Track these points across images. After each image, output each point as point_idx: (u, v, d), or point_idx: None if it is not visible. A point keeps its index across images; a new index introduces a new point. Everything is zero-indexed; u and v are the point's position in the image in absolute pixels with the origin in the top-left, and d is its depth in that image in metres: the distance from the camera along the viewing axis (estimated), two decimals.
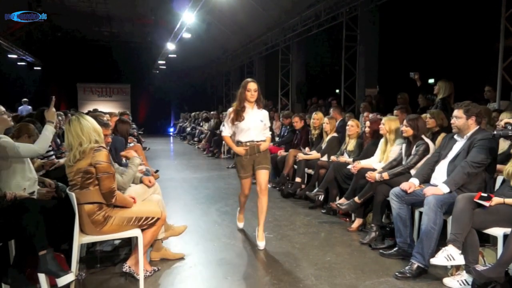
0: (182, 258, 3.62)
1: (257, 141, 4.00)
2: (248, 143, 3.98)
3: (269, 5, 11.03)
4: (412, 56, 10.57)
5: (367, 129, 5.10)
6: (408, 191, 3.59)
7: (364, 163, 4.67)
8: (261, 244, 3.96)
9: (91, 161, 2.85)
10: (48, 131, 3.42)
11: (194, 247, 3.95)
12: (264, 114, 4.07)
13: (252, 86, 3.92)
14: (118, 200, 2.98)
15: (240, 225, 4.54)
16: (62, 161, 4.87)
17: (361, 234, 4.31)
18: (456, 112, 3.49)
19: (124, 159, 4.38)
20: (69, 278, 2.71)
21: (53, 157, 4.79)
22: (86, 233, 2.93)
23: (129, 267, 3.12)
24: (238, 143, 4.04)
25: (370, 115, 5.52)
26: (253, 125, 3.97)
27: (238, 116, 3.96)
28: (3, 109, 3.42)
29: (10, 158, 3.17)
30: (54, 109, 3.55)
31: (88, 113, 4.38)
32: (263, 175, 4.01)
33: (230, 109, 4.06)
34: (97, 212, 2.89)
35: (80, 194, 2.87)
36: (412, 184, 3.64)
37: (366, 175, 4.22)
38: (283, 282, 3.20)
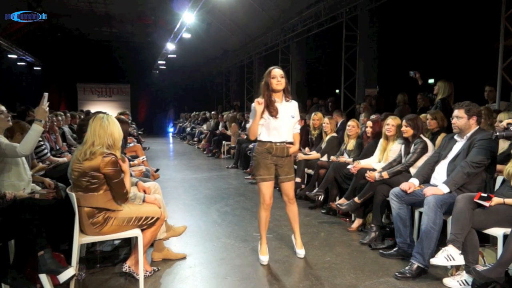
0: (183, 258, 3.62)
1: (288, 143, 3.50)
2: (278, 144, 3.45)
3: (269, 5, 11.03)
4: (412, 56, 10.57)
5: (368, 129, 5.09)
6: (408, 191, 3.59)
7: (364, 163, 4.68)
8: (301, 252, 3.70)
9: (100, 167, 2.79)
10: (34, 130, 3.13)
11: (194, 247, 3.95)
12: (294, 106, 3.50)
13: (277, 72, 3.39)
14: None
15: (264, 258, 3.54)
16: (61, 160, 4.87)
17: (361, 234, 4.31)
18: (457, 112, 3.49)
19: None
20: (70, 272, 2.72)
21: (48, 155, 4.78)
22: (86, 233, 2.92)
23: (129, 267, 3.12)
24: (265, 143, 3.46)
25: (372, 116, 5.49)
26: (284, 122, 3.43)
27: (271, 109, 3.36)
28: (3, 108, 3.41)
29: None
30: (44, 107, 3.19)
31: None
32: (291, 185, 3.62)
33: (256, 104, 3.35)
34: (97, 214, 2.88)
35: (83, 197, 2.85)
36: (412, 184, 3.64)
37: (366, 174, 4.23)
38: (282, 282, 3.20)
